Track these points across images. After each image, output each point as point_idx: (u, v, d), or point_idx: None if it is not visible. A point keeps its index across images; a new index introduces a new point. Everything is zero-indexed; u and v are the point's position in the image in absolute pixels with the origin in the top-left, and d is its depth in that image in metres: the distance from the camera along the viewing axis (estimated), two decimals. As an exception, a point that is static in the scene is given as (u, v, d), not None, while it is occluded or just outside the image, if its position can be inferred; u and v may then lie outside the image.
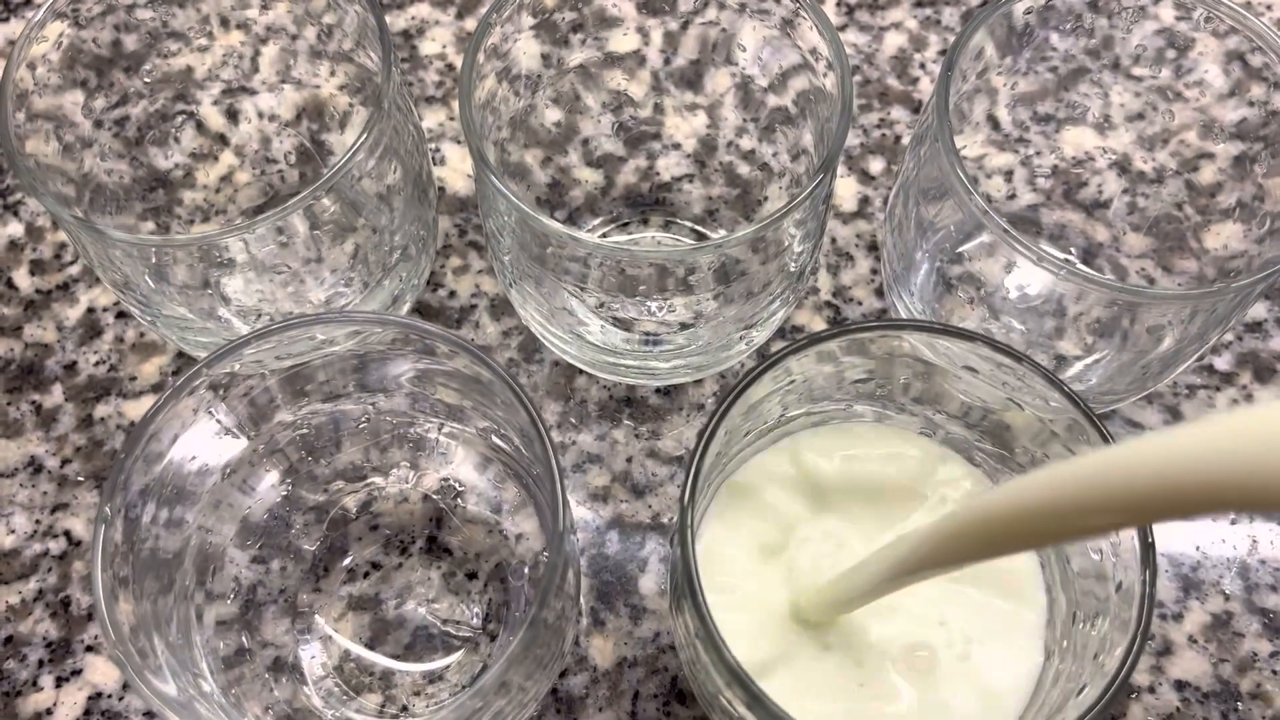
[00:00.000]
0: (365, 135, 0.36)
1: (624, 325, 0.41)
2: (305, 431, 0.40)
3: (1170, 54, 0.43)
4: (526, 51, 0.42)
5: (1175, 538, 0.41)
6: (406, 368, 0.37)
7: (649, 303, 0.39)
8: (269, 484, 0.40)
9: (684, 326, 0.40)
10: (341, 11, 0.43)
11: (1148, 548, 0.30)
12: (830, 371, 0.36)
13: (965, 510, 0.27)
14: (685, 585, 0.30)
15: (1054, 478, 0.24)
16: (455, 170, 0.49)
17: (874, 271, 0.46)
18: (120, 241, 0.34)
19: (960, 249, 0.40)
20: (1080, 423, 0.32)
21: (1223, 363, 0.44)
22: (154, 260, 0.37)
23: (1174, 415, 0.43)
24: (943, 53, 0.51)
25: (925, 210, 0.39)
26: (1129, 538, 0.30)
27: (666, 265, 0.36)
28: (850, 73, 0.37)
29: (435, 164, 0.49)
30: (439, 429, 0.40)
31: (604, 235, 0.46)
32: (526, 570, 0.39)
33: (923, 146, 0.38)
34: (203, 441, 0.37)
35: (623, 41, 0.44)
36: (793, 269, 0.39)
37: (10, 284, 0.47)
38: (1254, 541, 0.41)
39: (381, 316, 0.33)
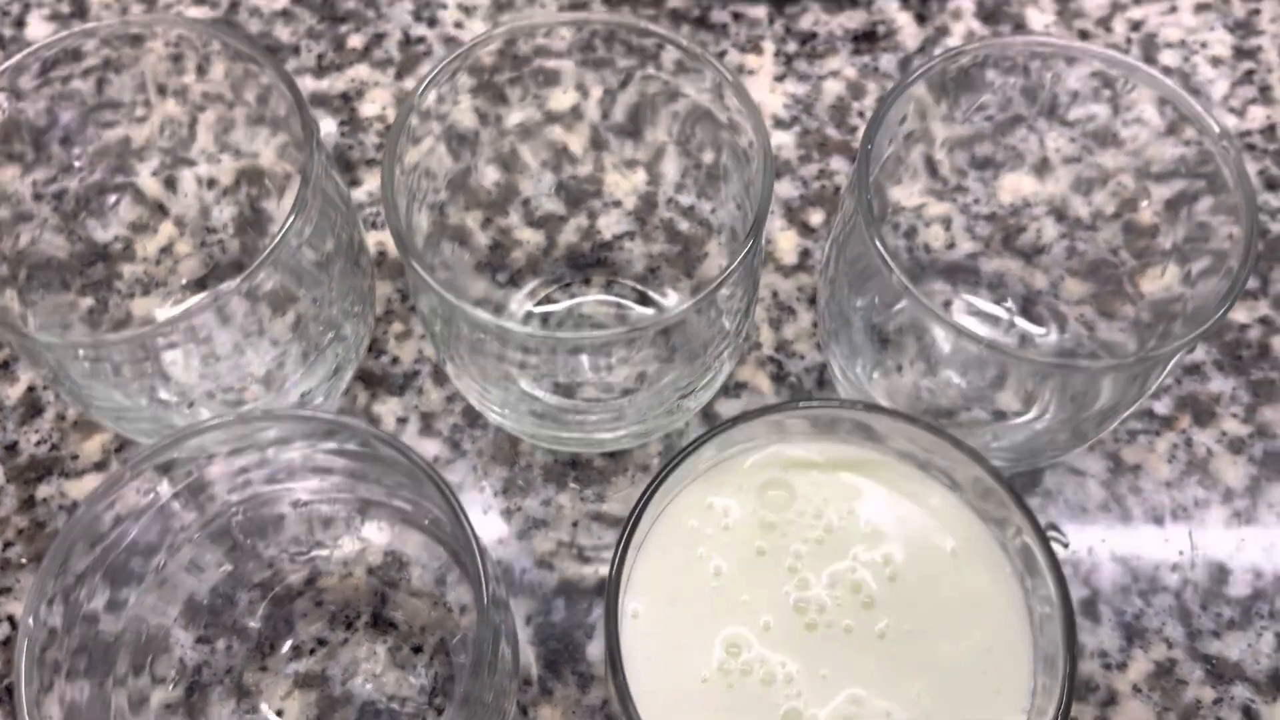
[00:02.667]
0: (293, 217, 0.36)
1: (565, 391, 0.41)
2: (249, 510, 0.40)
3: (1106, 94, 0.43)
4: (464, 112, 0.42)
5: (1119, 583, 0.42)
6: (344, 450, 0.37)
7: (588, 371, 0.39)
8: (213, 561, 0.40)
9: (627, 392, 0.40)
10: (271, 82, 0.43)
11: (1070, 624, 0.30)
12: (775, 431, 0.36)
13: None
14: (609, 659, 0.30)
15: None
16: (398, 231, 0.49)
17: (815, 324, 0.46)
18: (50, 345, 0.34)
19: (893, 307, 0.40)
20: (996, 490, 0.32)
21: (1162, 407, 0.45)
22: (83, 354, 0.37)
23: (1116, 462, 0.44)
24: (882, 100, 0.51)
25: (857, 267, 0.39)
26: (1054, 618, 0.30)
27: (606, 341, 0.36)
28: (770, 154, 0.36)
29: (377, 228, 0.49)
30: (380, 505, 0.40)
31: (546, 296, 0.46)
32: (469, 644, 0.39)
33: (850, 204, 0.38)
34: (145, 521, 0.37)
35: (562, 99, 0.44)
36: (728, 327, 0.39)
37: (-49, 362, 0.47)
38: (1194, 587, 0.41)
39: (299, 413, 0.34)
